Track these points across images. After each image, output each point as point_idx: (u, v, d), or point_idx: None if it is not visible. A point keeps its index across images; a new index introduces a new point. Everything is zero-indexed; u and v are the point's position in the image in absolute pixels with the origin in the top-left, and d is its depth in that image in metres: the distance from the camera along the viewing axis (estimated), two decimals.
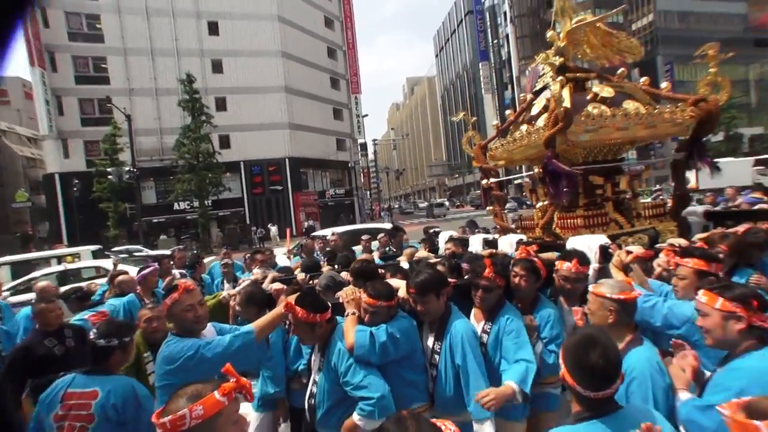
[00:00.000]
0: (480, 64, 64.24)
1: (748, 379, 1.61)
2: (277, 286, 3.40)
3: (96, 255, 15.21)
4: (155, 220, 30.80)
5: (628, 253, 2.84)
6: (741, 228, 3.25)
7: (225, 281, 6.03)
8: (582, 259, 2.83)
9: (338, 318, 2.57)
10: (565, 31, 4.15)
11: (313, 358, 2.61)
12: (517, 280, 2.79)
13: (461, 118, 5.53)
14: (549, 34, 4.36)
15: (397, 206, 75.64)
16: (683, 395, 1.81)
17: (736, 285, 1.88)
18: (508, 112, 5.63)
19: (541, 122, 4.13)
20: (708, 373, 1.88)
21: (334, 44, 42.52)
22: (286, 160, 34.81)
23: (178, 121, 29.26)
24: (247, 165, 33.88)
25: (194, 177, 27.16)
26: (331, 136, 40.71)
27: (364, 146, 49.37)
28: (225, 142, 32.66)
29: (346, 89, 44.15)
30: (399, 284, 2.83)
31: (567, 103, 3.54)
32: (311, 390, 2.53)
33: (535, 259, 2.88)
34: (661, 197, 12.78)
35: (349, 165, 42.96)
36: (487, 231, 7.03)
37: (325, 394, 2.40)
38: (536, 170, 4.00)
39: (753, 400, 1.17)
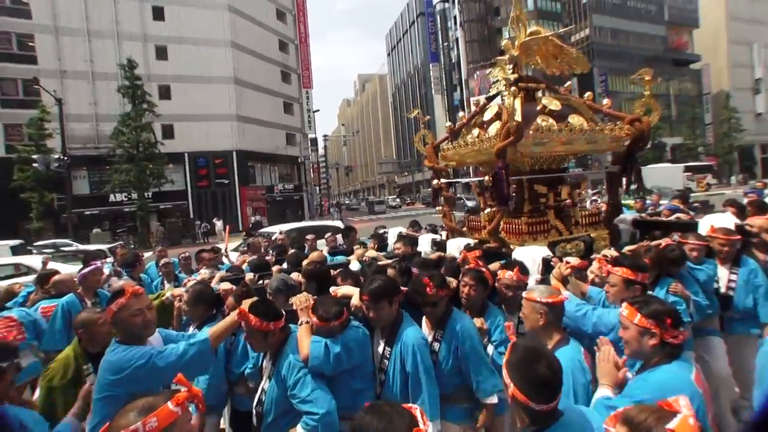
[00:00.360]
0: (431, 65, 65.36)
1: (649, 392, 1.73)
2: (226, 286, 3.31)
3: (16, 251, 13.97)
4: (87, 213, 28.61)
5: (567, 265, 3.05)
6: (662, 243, 3.56)
7: (165, 281, 5.70)
8: (522, 268, 3.02)
9: (292, 326, 2.54)
10: (519, 41, 4.33)
11: (264, 364, 2.57)
12: (467, 289, 2.91)
13: (415, 116, 5.64)
14: (503, 42, 4.51)
15: (347, 202, 75.54)
16: (603, 391, 1.93)
17: (655, 301, 1.97)
18: (460, 114, 5.78)
19: (493, 131, 4.29)
20: (630, 375, 2.02)
21: (286, 37, 41.59)
22: (234, 153, 33.64)
23: (117, 108, 27.37)
24: (191, 157, 32.34)
25: (133, 167, 25.56)
26: (280, 130, 39.82)
27: (314, 141, 48.89)
28: (168, 132, 30.98)
29: (297, 83, 43.37)
30: (351, 291, 2.85)
31: (519, 117, 3.72)
32: (259, 397, 2.49)
33: (484, 270, 2.99)
34: (598, 201, 13.62)
35: (299, 160, 42.33)
36: (435, 229, 7.15)
37: (273, 403, 2.37)
38: (487, 178, 4.17)
39: (627, 410, 1.25)
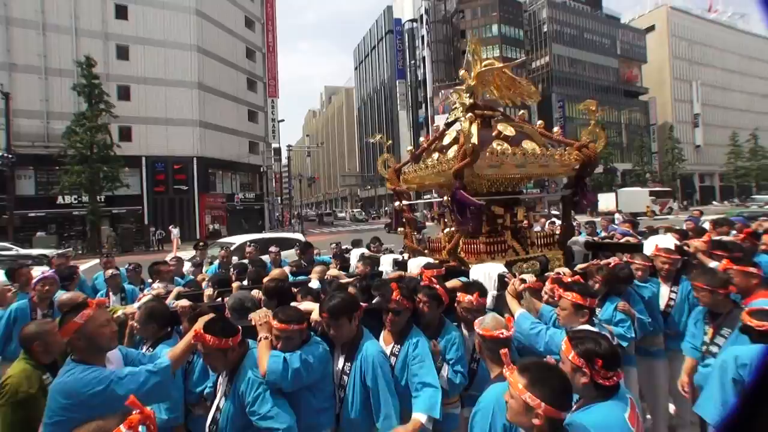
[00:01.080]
0: (397, 82, 66.49)
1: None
2: (184, 303, 3.21)
3: None
4: (32, 214, 26.88)
5: (522, 282, 3.18)
6: (611, 262, 3.79)
7: (111, 293, 5.37)
8: (482, 291, 3.09)
9: (250, 341, 2.51)
10: (475, 72, 4.54)
11: (219, 381, 2.51)
12: (421, 306, 2.96)
13: (378, 140, 5.71)
14: (461, 72, 4.73)
15: (312, 212, 74.75)
16: None
17: (591, 339, 1.89)
18: (421, 138, 5.92)
19: (451, 153, 4.44)
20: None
21: (254, 45, 41.23)
22: (194, 159, 32.70)
23: (71, 106, 26.19)
24: (149, 161, 31.16)
25: (86, 169, 24.30)
26: (244, 138, 39.16)
27: (277, 151, 48.23)
28: (126, 135, 29.78)
29: (263, 92, 42.93)
30: (311, 307, 2.85)
31: (475, 140, 3.89)
32: (214, 416, 2.42)
33: (437, 287, 3.05)
34: (555, 222, 14.12)
35: (261, 169, 41.64)
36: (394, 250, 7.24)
37: (229, 421, 2.31)
38: (445, 198, 4.30)
39: None
